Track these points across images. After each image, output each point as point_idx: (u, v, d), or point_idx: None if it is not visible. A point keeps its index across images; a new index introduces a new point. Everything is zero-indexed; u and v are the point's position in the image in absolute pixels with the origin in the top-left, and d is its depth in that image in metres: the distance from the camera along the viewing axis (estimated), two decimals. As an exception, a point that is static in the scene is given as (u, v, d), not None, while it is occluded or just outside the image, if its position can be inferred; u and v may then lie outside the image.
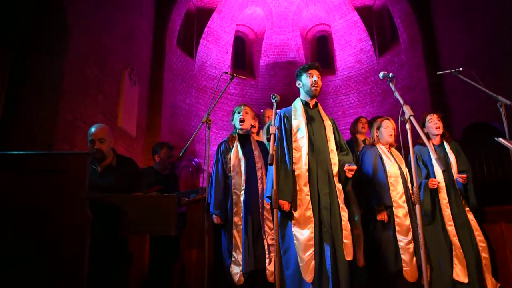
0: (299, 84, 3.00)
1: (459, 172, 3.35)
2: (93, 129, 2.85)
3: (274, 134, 2.36)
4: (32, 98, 3.64)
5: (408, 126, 2.30)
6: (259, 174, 3.19)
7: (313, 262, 2.53)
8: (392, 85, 2.46)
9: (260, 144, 3.41)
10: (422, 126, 3.56)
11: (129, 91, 5.63)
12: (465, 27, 5.95)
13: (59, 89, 3.76)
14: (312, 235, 2.57)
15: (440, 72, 3.61)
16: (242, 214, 3.09)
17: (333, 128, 2.92)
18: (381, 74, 2.54)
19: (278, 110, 2.91)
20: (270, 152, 2.18)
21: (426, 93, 7.05)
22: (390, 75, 2.49)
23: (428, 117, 3.52)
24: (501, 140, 2.66)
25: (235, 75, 3.27)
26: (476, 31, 5.65)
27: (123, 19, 5.54)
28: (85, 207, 1.59)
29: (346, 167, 2.69)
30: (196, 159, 7.83)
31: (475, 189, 3.32)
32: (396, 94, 2.40)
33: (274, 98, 2.74)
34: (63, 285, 1.52)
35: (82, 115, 4.20)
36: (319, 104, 3.02)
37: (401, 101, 2.34)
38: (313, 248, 2.54)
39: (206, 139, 3.05)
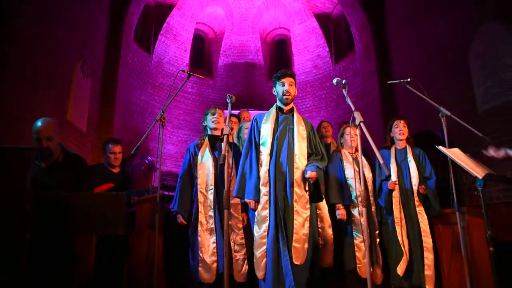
0: (274, 91, 3.08)
1: (421, 179, 3.52)
2: (39, 125, 2.67)
3: (227, 135, 2.38)
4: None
5: (358, 131, 2.40)
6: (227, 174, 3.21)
7: (264, 259, 2.65)
8: (344, 91, 2.55)
9: (231, 145, 3.42)
10: (389, 130, 3.74)
11: (81, 84, 5.40)
12: (414, 40, 6.28)
13: (2, 81, 3.53)
14: (265, 233, 2.69)
15: (390, 82, 3.80)
16: (213, 213, 3.11)
17: (308, 133, 2.98)
18: (334, 80, 2.63)
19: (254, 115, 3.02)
20: (222, 152, 2.20)
21: (377, 100, 7.34)
22: (343, 81, 2.59)
23: (395, 123, 3.69)
24: (441, 148, 2.84)
25: (192, 73, 3.25)
26: (424, 45, 5.98)
27: (77, 8, 5.30)
28: (26, 204, 1.52)
29: (307, 174, 2.75)
30: (149, 157, 7.65)
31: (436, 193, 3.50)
32: (348, 100, 2.49)
33: (230, 98, 2.77)
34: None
35: (29, 108, 3.98)
36: (295, 109, 3.08)
37: (352, 108, 2.43)
38: (265, 246, 2.67)
39: (160, 137, 3.01)
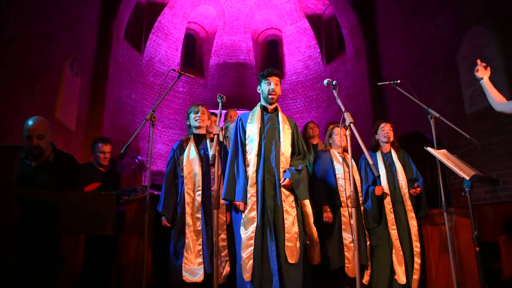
0: (259, 89, 3.05)
1: (408, 181, 3.54)
2: (30, 123, 2.62)
3: (218, 135, 2.37)
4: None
5: (348, 132, 2.41)
6: (212, 174, 3.14)
7: (251, 261, 2.61)
8: (335, 92, 2.56)
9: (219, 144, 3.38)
10: (375, 133, 3.74)
11: (70, 82, 5.34)
12: (404, 42, 6.35)
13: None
14: (253, 235, 2.65)
15: (380, 83, 3.84)
16: (200, 215, 3.05)
17: (292, 132, 2.98)
18: (325, 81, 2.64)
19: (239, 114, 2.97)
20: (213, 152, 2.18)
21: (368, 102, 7.40)
22: (334, 82, 2.59)
23: (381, 125, 3.69)
24: (429, 149, 2.88)
25: (182, 73, 3.23)
26: (414, 47, 6.05)
27: (67, 5, 5.25)
28: (11, 204, 1.49)
29: (282, 181, 2.76)
30: (139, 157, 7.61)
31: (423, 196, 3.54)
32: (338, 101, 2.50)
33: (220, 98, 2.77)
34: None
35: (17, 106, 3.92)
36: (279, 109, 3.07)
37: (343, 108, 2.44)
38: (252, 248, 2.63)
39: (150, 136, 2.98)
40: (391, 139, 3.66)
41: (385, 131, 3.65)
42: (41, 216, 1.96)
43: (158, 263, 3.64)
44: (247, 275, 2.61)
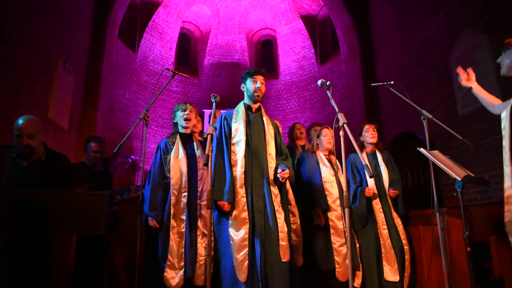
0: (243, 87, 3.03)
1: (389, 181, 3.58)
2: (20, 122, 2.59)
3: (211, 134, 2.36)
4: None
5: (341, 133, 2.42)
6: (199, 174, 3.08)
7: (246, 262, 2.60)
8: (329, 93, 2.57)
9: (203, 144, 3.26)
10: (359, 134, 3.76)
11: (63, 81, 5.30)
12: (398, 44, 6.38)
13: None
14: (247, 236, 2.64)
15: (374, 84, 3.85)
16: (183, 217, 2.96)
17: (274, 132, 2.98)
18: (319, 82, 2.64)
19: (219, 112, 2.94)
20: (206, 152, 2.18)
21: (361, 102, 7.43)
22: (328, 83, 2.59)
23: (365, 127, 3.73)
24: (422, 150, 2.89)
25: (176, 72, 3.19)
26: (407, 48, 6.08)
27: (60, 3, 5.21)
28: (1, 203, 1.48)
29: (278, 171, 2.77)
30: (132, 156, 7.58)
31: (402, 194, 3.60)
32: (332, 102, 2.50)
33: (214, 98, 2.75)
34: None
35: (9, 104, 3.89)
36: (262, 108, 3.07)
37: (336, 109, 2.44)
38: (247, 249, 2.62)
39: (144, 136, 2.94)
40: (376, 140, 3.70)
41: (370, 132, 3.69)
42: (33, 215, 1.95)
43: (151, 263, 3.62)
44: (243, 276, 2.58)
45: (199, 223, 2.99)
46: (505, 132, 2.41)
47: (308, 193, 3.40)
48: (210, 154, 2.25)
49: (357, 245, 3.40)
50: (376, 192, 3.50)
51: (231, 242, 2.67)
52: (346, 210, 2.34)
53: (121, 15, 7.73)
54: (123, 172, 7.25)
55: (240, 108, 3.00)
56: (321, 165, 3.51)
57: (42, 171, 2.66)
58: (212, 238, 2.94)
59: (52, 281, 2.54)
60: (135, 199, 3.51)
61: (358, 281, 3.31)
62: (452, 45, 4.79)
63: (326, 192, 3.39)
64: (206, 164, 2.17)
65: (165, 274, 2.87)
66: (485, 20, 4.31)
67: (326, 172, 3.47)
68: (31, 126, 2.61)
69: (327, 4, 8.57)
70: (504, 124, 2.43)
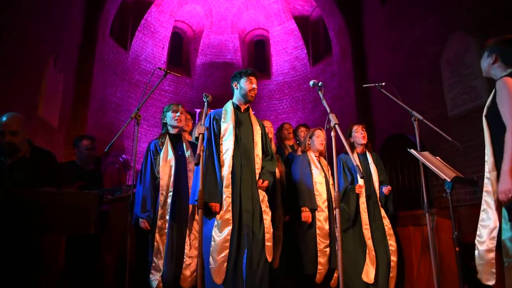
0: (235, 85, 3.01)
1: (379, 182, 3.62)
2: (3, 119, 2.55)
3: (203, 134, 2.35)
4: None
5: (332, 133, 2.43)
6: (190, 175, 3.06)
7: (225, 264, 2.57)
8: (320, 93, 2.58)
9: (193, 144, 3.29)
10: (349, 135, 3.77)
11: (53, 79, 5.24)
12: (390, 46, 6.43)
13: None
14: (229, 237, 2.61)
15: (366, 85, 3.87)
16: (167, 217, 2.93)
17: (261, 133, 2.98)
18: (311, 82, 2.65)
19: (209, 111, 2.92)
20: (197, 152, 2.17)
21: (353, 103, 7.47)
22: (320, 83, 2.60)
23: (355, 128, 3.75)
24: (412, 151, 2.92)
25: (168, 71, 3.18)
26: (399, 50, 6.14)
27: (51, 1, 5.15)
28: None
29: (259, 182, 2.80)
30: (124, 155, 7.52)
31: (393, 195, 3.65)
32: (324, 102, 2.52)
33: (206, 97, 2.73)
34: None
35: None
36: (250, 109, 3.08)
37: (328, 110, 2.45)
38: (227, 250, 2.59)
39: (135, 135, 2.92)
40: (366, 140, 3.73)
41: (359, 132, 3.71)
42: (21, 215, 1.92)
43: (142, 263, 3.60)
44: (220, 278, 2.55)
45: (188, 224, 2.97)
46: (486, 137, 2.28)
47: (298, 192, 3.43)
48: (201, 154, 2.25)
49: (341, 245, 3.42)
50: (364, 188, 3.52)
51: (212, 243, 2.61)
52: (337, 210, 2.35)
53: (113, 13, 7.67)
54: (114, 172, 7.19)
55: (229, 107, 2.98)
56: (312, 166, 3.55)
57: (27, 169, 2.61)
58: (196, 241, 2.92)
59: (41, 281, 2.51)
60: (126, 198, 3.49)
61: (333, 282, 3.32)
62: (442, 48, 4.84)
63: (316, 193, 3.44)
64: (197, 164, 2.16)
65: (150, 275, 2.88)
66: (475, 22, 4.36)
67: (317, 173, 3.52)
68: (14, 122, 2.57)
69: (320, 5, 8.60)
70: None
